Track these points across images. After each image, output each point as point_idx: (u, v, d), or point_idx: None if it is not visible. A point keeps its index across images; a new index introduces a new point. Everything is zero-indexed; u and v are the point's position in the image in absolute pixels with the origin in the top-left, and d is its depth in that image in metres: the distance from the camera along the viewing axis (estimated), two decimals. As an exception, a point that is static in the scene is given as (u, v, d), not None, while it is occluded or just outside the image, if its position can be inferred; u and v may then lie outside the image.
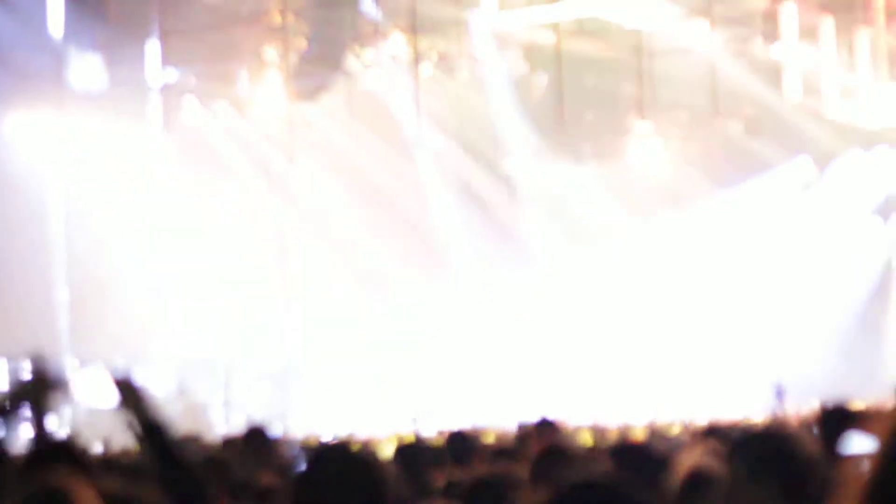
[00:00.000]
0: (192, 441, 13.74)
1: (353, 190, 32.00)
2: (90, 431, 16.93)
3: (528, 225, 34.51)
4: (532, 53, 26.81)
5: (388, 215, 32.64)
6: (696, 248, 34.90)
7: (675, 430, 18.50)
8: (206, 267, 29.00)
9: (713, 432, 8.84)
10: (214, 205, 28.84)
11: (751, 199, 35.61)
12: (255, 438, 7.26)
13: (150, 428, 3.93)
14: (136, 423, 3.96)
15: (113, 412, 4.62)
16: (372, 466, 3.27)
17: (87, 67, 25.94)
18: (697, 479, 4.85)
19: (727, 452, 4.18)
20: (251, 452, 7.15)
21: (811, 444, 4.11)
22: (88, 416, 25.87)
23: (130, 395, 3.97)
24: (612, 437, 17.24)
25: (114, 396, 4.15)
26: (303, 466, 3.56)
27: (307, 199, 30.94)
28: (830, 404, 6.64)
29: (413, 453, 7.51)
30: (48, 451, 4.65)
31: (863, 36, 26.32)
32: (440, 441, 12.74)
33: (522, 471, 7.43)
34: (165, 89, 23.05)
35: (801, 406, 21.53)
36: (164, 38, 22.94)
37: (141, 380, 4.16)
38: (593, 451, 7.28)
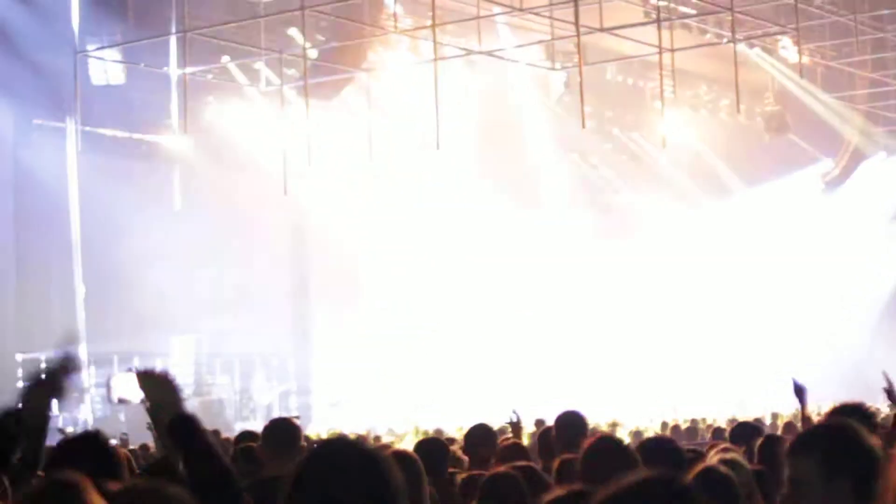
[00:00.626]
0: (213, 436, 13.72)
1: (373, 187, 31.93)
2: (108, 427, 16.90)
3: (548, 221, 34.43)
4: (553, 49, 26.75)
5: (408, 212, 32.59)
6: (718, 245, 34.79)
7: (700, 427, 18.44)
8: (221, 262, 29.04)
9: (738, 430, 8.79)
10: (232, 201, 28.79)
11: (773, 198, 35.49)
12: (276, 433, 7.18)
13: (179, 420, 3.83)
14: (162, 414, 3.86)
15: (131, 408, 4.55)
16: (372, 459, 3.19)
17: (107, 64, 25.94)
18: (709, 479, 4.77)
19: (789, 449, 3.90)
20: (272, 447, 7.07)
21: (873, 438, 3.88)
22: (107, 411, 25.94)
23: (157, 386, 3.87)
24: (634, 433, 17.18)
25: (136, 391, 4.06)
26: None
27: (326, 197, 30.88)
28: (850, 404, 6.55)
29: (431, 448, 7.44)
30: (75, 443, 4.59)
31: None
32: (459, 436, 12.70)
33: (541, 466, 7.39)
34: (185, 85, 22.99)
35: (820, 406, 21.42)
36: (184, 34, 22.88)
37: (164, 372, 4.06)
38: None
